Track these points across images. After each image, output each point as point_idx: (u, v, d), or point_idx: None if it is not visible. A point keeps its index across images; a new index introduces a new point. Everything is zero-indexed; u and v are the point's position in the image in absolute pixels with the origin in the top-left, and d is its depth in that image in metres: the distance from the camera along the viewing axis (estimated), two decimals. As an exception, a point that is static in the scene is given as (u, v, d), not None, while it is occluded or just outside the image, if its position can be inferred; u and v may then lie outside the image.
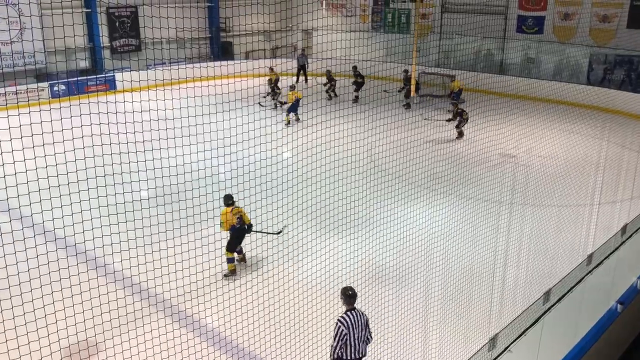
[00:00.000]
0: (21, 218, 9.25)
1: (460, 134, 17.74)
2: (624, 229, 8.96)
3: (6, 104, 17.87)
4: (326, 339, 7.69)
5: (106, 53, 25.16)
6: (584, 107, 20.86)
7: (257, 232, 9.83)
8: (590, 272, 7.81)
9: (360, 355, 6.28)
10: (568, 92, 21.18)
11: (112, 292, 7.54)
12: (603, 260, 8.16)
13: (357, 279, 9.28)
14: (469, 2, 23.84)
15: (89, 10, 24.16)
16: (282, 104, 21.40)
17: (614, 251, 8.40)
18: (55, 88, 21.94)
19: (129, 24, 25.70)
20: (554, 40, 24.07)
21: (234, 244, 9.76)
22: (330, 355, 6.30)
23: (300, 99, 19.74)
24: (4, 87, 20.29)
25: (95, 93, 22.06)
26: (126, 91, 19.67)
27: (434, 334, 8.20)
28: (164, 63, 23.89)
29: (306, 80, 26.21)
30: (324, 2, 27.95)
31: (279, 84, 22.40)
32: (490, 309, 8.72)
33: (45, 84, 21.75)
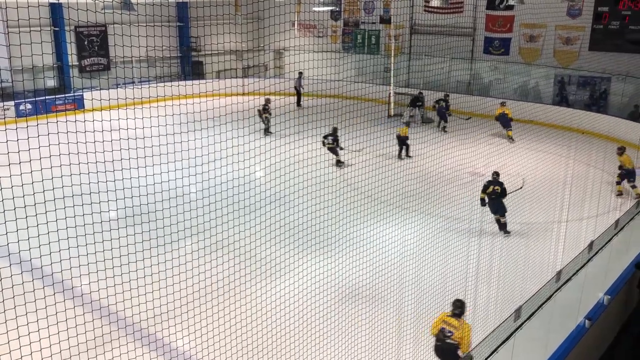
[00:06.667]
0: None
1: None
2: (590, 246, 9.11)
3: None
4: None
5: (74, 72, 24.83)
6: (550, 126, 21.36)
7: None
8: (559, 288, 7.91)
9: None
10: (534, 111, 21.67)
11: (79, 315, 7.34)
12: (571, 277, 8.28)
13: (329, 298, 9.24)
14: (437, 24, 24.30)
15: (57, 28, 23.87)
16: None
17: (581, 268, 8.54)
18: (22, 107, 21.52)
19: (97, 43, 25.45)
20: (520, 62, 24.68)
21: None
22: None
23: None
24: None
25: (64, 112, 21.73)
26: (95, 110, 19.45)
27: (407, 352, 8.19)
28: (134, 82, 23.67)
29: (299, 103, 24.78)
30: (295, 22, 28.14)
31: None
32: (463, 327, 8.74)
33: (10, 103, 21.31)
